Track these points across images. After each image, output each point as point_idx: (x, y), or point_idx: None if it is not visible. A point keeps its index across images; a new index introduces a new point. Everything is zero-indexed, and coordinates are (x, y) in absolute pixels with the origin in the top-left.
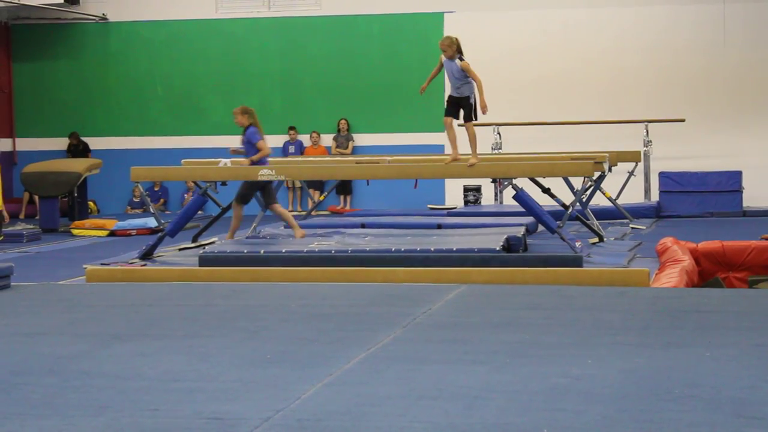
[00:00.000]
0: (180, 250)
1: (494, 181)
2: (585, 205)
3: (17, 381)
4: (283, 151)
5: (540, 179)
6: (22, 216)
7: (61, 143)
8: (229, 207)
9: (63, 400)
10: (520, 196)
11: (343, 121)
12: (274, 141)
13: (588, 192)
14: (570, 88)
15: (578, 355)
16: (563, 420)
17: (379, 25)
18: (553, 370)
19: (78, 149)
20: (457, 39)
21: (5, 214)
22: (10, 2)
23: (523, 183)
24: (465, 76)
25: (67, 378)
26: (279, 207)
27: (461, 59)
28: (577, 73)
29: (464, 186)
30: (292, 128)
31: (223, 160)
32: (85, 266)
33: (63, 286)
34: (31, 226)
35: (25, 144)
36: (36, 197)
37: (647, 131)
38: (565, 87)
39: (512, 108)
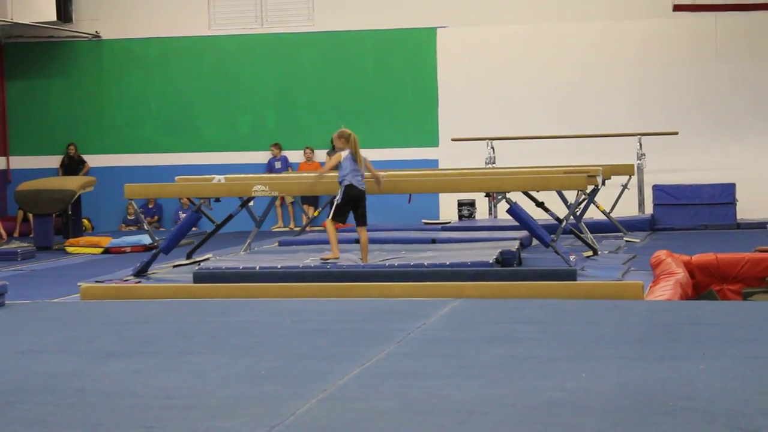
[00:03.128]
0: (174, 266)
1: (488, 195)
2: (579, 218)
3: (11, 399)
4: (269, 168)
5: (534, 193)
6: (16, 234)
7: (55, 161)
8: (223, 224)
9: (58, 418)
10: (513, 210)
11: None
12: (267, 157)
13: (582, 205)
14: (563, 101)
15: (573, 369)
16: None
17: (373, 40)
18: (547, 383)
19: (73, 161)
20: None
21: (3, 232)
22: (3, 21)
23: (517, 197)
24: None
25: (61, 396)
26: None
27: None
28: (571, 86)
29: (458, 200)
30: (275, 144)
31: (217, 177)
32: (79, 284)
33: (57, 304)
34: (26, 244)
35: (18, 162)
36: (30, 215)
37: (640, 144)
38: (558, 101)
39: (505, 122)
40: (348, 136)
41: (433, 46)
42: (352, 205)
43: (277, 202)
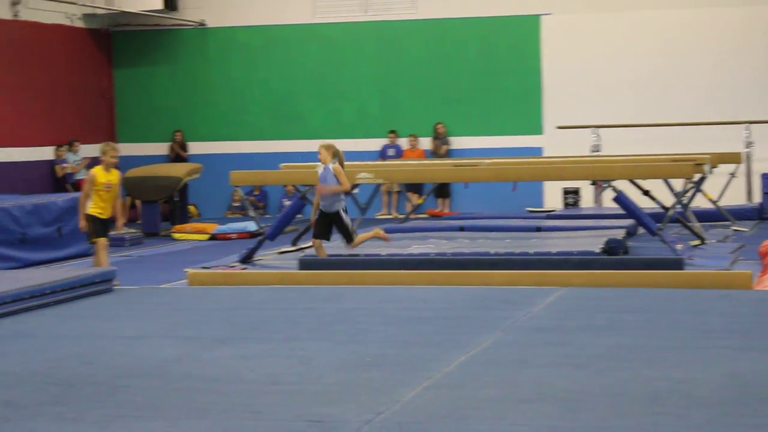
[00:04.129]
0: (280, 253)
1: (594, 183)
2: (686, 207)
3: (121, 383)
4: (382, 155)
5: (640, 181)
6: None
7: (161, 148)
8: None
9: (165, 402)
10: (620, 198)
11: (440, 125)
12: (371, 144)
13: (689, 194)
14: (669, 88)
15: (680, 359)
16: (666, 424)
17: (476, 28)
18: (654, 373)
19: (179, 147)
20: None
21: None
22: (111, 9)
23: (623, 185)
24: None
25: (169, 380)
26: None
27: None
28: (677, 73)
29: (563, 188)
30: (392, 132)
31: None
32: (186, 270)
33: (164, 290)
34: (133, 230)
35: (126, 149)
36: (137, 202)
37: (749, 132)
38: (664, 88)
39: (611, 110)
40: (336, 149)
41: (537, 33)
42: None
43: (384, 189)
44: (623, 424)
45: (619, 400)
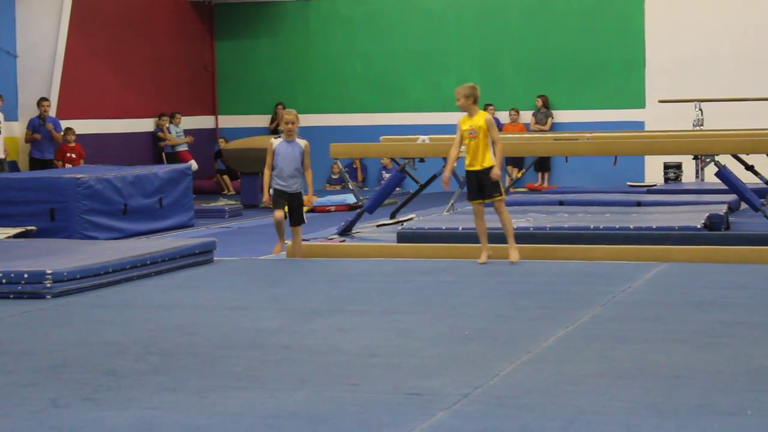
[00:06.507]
0: (378, 226)
1: (696, 157)
2: None
3: (221, 354)
4: None
5: (743, 156)
6: (226, 192)
7: (263, 120)
8: (427, 184)
9: (265, 373)
10: (722, 173)
11: (538, 99)
12: None
13: None
14: None
15: None
16: None
17: (578, 1)
18: (757, 350)
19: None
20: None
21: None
22: None
23: (726, 160)
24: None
25: (269, 352)
26: None
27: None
28: None
29: (664, 163)
30: (489, 105)
31: (422, 137)
32: (285, 242)
33: (264, 261)
34: (233, 202)
35: (227, 121)
36: (226, 177)
37: None
38: None
39: (714, 83)
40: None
41: (641, 5)
42: None
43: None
44: (724, 401)
45: (721, 376)
